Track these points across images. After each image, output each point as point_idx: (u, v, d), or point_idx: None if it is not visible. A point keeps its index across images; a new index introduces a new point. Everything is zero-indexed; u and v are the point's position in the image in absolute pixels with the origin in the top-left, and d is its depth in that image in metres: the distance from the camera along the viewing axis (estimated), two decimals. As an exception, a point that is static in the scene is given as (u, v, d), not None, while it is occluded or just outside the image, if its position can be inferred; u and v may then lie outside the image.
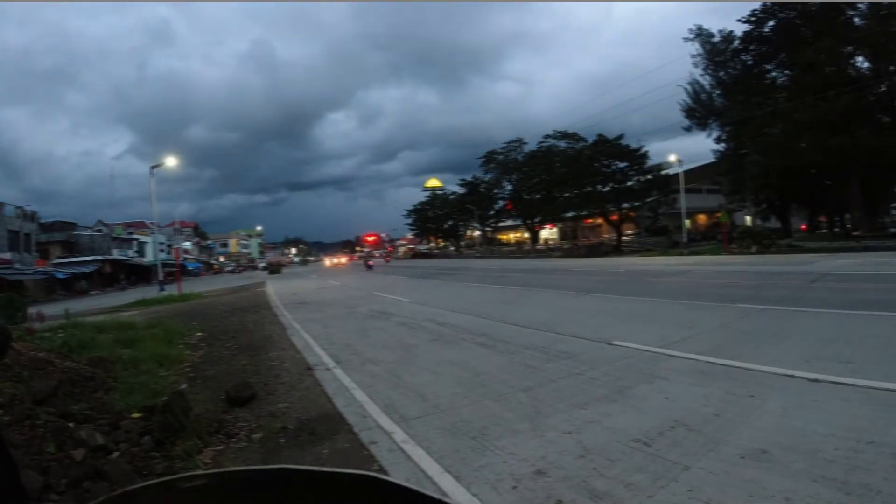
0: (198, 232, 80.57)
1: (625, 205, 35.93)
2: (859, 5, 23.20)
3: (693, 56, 29.99)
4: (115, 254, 43.60)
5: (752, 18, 26.42)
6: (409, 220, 69.55)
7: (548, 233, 55.22)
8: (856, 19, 23.50)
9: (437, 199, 65.04)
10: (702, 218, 43.52)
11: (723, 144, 30.13)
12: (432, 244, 73.43)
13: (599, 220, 41.09)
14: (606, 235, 41.59)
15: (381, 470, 2.82)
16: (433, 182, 69.11)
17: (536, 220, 48.02)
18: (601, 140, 35.69)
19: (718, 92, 29.74)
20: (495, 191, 53.88)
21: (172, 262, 32.39)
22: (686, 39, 29.97)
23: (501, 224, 57.45)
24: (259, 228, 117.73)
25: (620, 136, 35.15)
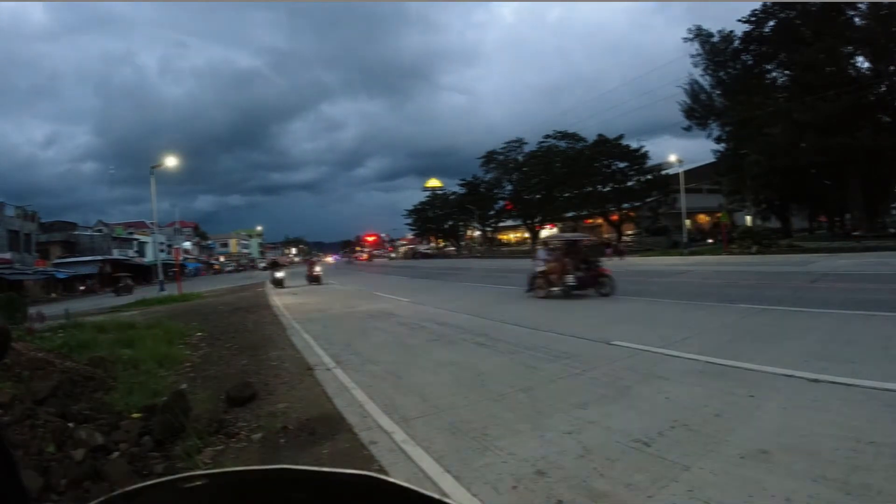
0: (198, 232, 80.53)
1: (625, 205, 35.95)
2: (859, 5, 23.22)
3: (693, 56, 30.03)
4: (116, 254, 43.62)
5: (752, 18, 26.43)
6: (410, 220, 69.52)
7: (548, 233, 55.22)
8: (856, 19, 23.50)
9: (437, 199, 64.97)
10: (702, 218, 43.52)
11: (723, 144, 30.15)
12: (432, 244, 73.33)
13: (599, 220, 41.09)
14: (606, 235, 41.60)
15: (382, 470, 2.82)
16: (433, 182, 69.06)
17: (536, 220, 48.01)
18: (601, 140, 35.71)
19: (718, 92, 29.74)
20: (495, 191, 53.87)
21: (172, 262, 32.41)
22: (686, 39, 30.01)
23: (501, 224, 57.42)
24: (259, 228, 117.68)
25: (620, 137, 35.19)
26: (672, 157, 32.05)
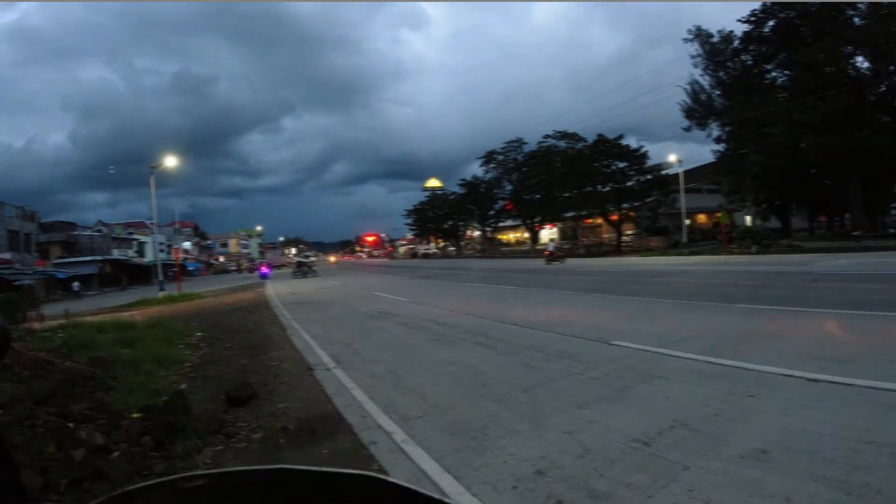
0: (197, 232, 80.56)
1: (625, 205, 35.95)
2: (859, 5, 23.20)
3: (693, 56, 30.05)
4: (115, 254, 43.63)
5: (752, 18, 26.43)
6: (409, 220, 69.51)
7: (548, 233, 55.23)
8: (856, 19, 23.49)
9: (436, 199, 64.94)
10: (702, 218, 43.53)
11: (723, 144, 30.15)
12: (432, 244, 73.26)
13: (599, 220, 41.07)
14: (606, 235, 41.58)
15: (381, 470, 2.82)
16: (433, 182, 69.01)
17: (536, 220, 48.01)
18: (601, 140, 35.70)
19: (718, 92, 29.74)
20: (495, 191, 53.88)
21: (172, 262, 32.41)
22: (685, 40, 30.02)
23: (501, 224, 57.41)
24: (259, 228, 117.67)
25: (620, 136, 35.19)
26: (672, 157, 32.08)
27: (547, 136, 42.44)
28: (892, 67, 23.10)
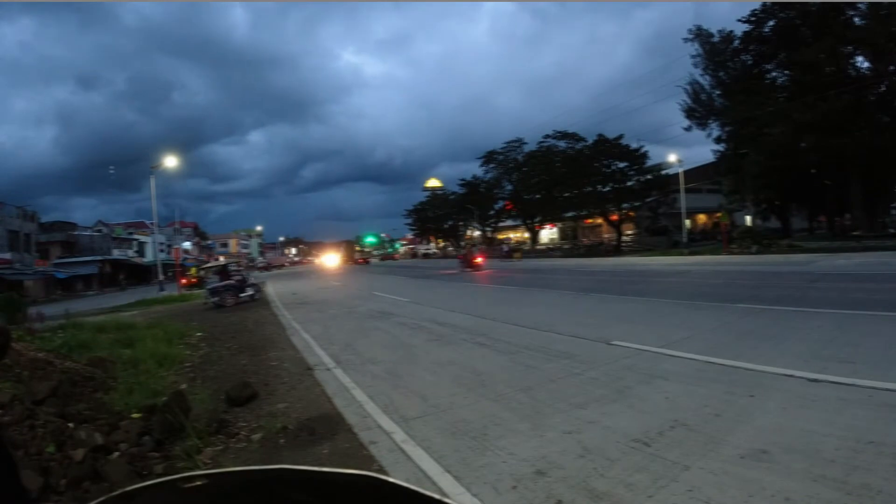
0: (198, 232, 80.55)
1: (625, 205, 35.97)
2: (859, 5, 23.17)
3: (693, 56, 30.08)
4: (115, 254, 43.63)
5: (752, 18, 26.43)
6: (409, 220, 69.53)
7: (548, 233, 55.21)
8: (856, 19, 23.48)
9: (436, 199, 64.92)
10: (702, 218, 43.53)
11: (723, 144, 30.16)
12: (432, 244, 73.24)
13: (599, 220, 41.08)
14: (606, 235, 41.59)
15: (381, 470, 2.82)
16: (433, 182, 68.97)
17: (536, 220, 48.02)
18: (601, 140, 35.69)
19: (718, 92, 29.75)
20: (495, 191, 53.85)
21: (172, 262, 32.41)
22: (686, 40, 30.05)
23: (501, 224, 57.39)
24: (259, 228, 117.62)
25: (620, 136, 35.18)
26: (672, 157, 32.09)
27: (547, 136, 42.43)
28: (892, 67, 23.08)
